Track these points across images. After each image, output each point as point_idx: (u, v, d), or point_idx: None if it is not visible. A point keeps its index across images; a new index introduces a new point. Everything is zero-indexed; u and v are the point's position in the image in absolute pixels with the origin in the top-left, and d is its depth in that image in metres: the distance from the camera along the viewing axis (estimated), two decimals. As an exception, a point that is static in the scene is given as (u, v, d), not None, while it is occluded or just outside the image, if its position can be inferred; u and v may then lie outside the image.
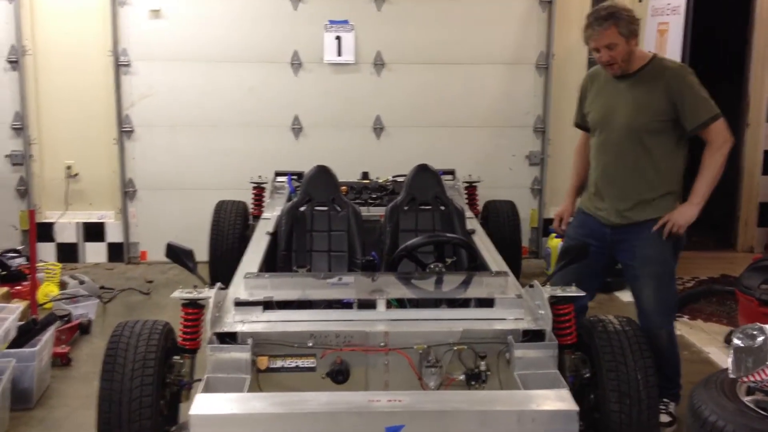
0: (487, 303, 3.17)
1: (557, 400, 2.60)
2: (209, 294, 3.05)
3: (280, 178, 5.91)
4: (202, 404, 2.55)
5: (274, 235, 4.29)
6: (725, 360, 4.70)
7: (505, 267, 3.74)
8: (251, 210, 5.79)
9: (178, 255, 3.28)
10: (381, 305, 3.10)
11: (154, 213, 6.79)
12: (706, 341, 4.83)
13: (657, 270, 3.55)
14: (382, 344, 2.94)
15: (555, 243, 6.47)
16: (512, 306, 3.12)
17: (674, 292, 3.72)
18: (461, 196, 5.68)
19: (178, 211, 6.74)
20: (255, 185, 5.83)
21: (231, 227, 5.48)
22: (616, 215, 3.63)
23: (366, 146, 6.74)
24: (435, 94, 6.74)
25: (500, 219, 5.73)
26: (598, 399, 2.99)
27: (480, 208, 5.96)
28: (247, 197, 5.84)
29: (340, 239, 4.24)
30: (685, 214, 3.47)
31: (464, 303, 3.30)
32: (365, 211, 4.97)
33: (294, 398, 2.62)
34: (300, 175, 5.77)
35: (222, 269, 5.16)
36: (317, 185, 4.33)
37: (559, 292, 3.13)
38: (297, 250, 4.21)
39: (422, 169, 4.42)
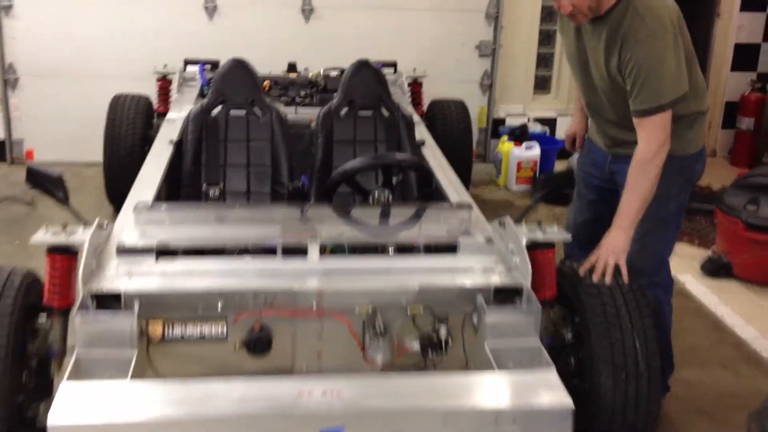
0: (448, 248, 2.53)
1: (545, 389, 2.02)
2: (83, 237, 2.32)
3: (190, 68, 5.06)
4: (65, 407, 1.87)
5: (179, 145, 3.52)
6: (703, 292, 4.28)
7: (465, 194, 3.09)
8: (156, 106, 4.95)
9: (42, 182, 2.52)
10: (313, 251, 2.42)
11: (42, 105, 5.83)
12: (679, 266, 4.33)
13: (648, 211, 2.78)
14: (314, 306, 2.30)
15: (507, 147, 5.87)
16: (480, 252, 2.50)
17: (664, 245, 3.01)
18: (404, 95, 4.95)
19: (71, 102, 5.81)
20: (160, 76, 4.95)
21: (130, 127, 4.66)
22: (611, 147, 2.97)
23: (293, 31, 5.86)
24: (374, -31, 5.86)
25: (448, 122, 5.06)
26: (584, 368, 2.43)
27: (425, 107, 5.26)
28: (153, 89, 4.99)
29: (261, 151, 3.50)
30: (617, 245, 2.62)
31: (416, 247, 2.65)
32: (292, 113, 4.21)
33: (197, 392, 1.96)
34: (214, 64, 4.97)
35: (118, 179, 4.40)
36: (232, 84, 3.53)
37: (539, 234, 2.51)
38: (208, 164, 3.46)
39: (362, 66, 3.66)
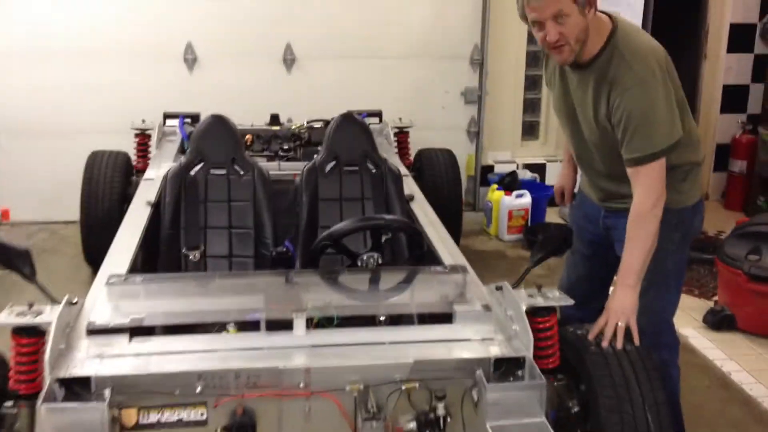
0: (443, 317, 2.39)
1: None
2: (50, 317, 2.16)
3: (170, 122, 4.94)
4: None
5: (157, 206, 3.37)
6: (708, 346, 4.15)
7: (459, 254, 2.95)
8: (135, 162, 4.81)
9: (7, 257, 2.36)
10: (299, 325, 2.27)
11: (18, 162, 5.69)
12: (680, 319, 4.18)
13: (649, 272, 2.62)
14: (301, 385, 2.14)
15: (497, 196, 5.76)
16: (478, 321, 2.35)
17: (666, 305, 2.86)
18: (391, 145, 4.84)
19: (48, 159, 5.68)
20: (138, 132, 4.83)
21: (107, 185, 4.52)
22: (605, 200, 2.85)
23: (275, 81, 5.77)
24: (356, 18, 5.79)
25: (436, 172, 4.95)
26: (591, 443, 2.28)
27: (412, 157, 5.15)
28: (132, 144, 4.87)
29: (243, 212, 3.36)
30: (626, 305, 2.48)
31: (409, 316, 2.50)
32: (275, 168, 4.09)
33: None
34: (195, 117, 4.85)
35: (96, 239, 4.25)
36: (212, 141, 3.41)
37: (540, 299, 2.38)
38: (187, 227, 3.31)
39: (346, 120, 3.54)
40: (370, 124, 4.94)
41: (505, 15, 5.86)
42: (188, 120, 4.86)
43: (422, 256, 2.84)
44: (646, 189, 2.50)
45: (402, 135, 5.10)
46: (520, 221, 5.69)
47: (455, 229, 5.06)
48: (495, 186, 5.88)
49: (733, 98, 6.45)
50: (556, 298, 2.39)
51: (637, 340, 2.44)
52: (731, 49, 6.33)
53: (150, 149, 4.71)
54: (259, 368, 2.12)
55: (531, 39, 5.84)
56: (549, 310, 2.37)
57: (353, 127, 3.53)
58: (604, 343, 2.41)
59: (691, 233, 2.80)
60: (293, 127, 4.68)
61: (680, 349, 2.97)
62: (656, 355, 2.70)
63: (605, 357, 2.35)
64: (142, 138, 4.81)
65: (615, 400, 2.24)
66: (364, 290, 2.61)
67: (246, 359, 2.16)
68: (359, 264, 2.75)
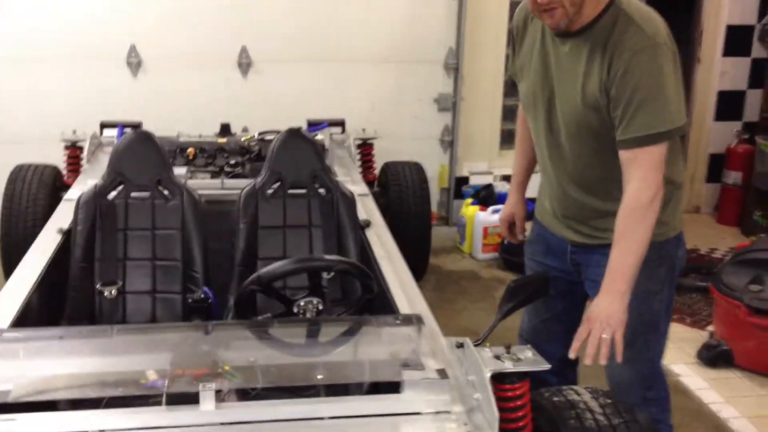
0: (390, 385, 1.98)
1: None
2: None
3: (108, 132, 4.51)
4: None
5: (70, 234, 2.94)
6: (702, 386, 3.76)
7: (417, 296, 2.53)
8: (66, 177, 4.37)
9: None
10: (207, 398, 1.85)
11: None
12: (671, 353, 3.80)
13: (631, 317, 2.24)
14: (206, 478, 1.73)
15: (471, 212, 5.37)
16: (431, 390, 1.94)
17: (655, 352, 2.49)
18: (353, 159, 4.42)
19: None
20: (68, 144, 4.39)
21: (31, 203, 4.09)
22: (573, 232, 2.46)
23: (229, 87, 5.32)
24: (319, 18, 5.34)
25: (403, 187, 4.54)
26: None
27: (377, 171, 4.74)
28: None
29: (169, 241, 2.93)
30: (612, 314, 2.14)
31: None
32: (217, 187, 3.67)
33: None
34: (136, 127, 4.43)
35: (17, 261, 3.77)
36: (133, 160, 2.97)
37: (508, 363, 1.97)
38: (102, 259, 2.88)
39: (293, 136, 3.11)
40: (332, 134, 4.58)
41: (482, 16, 5.47)
42: (128, 129, 4.43)
43: (371, 300, 2.42)
44: (645, 178, 2.12)
45: (366, 147, 4.69)
46: (496, 239, 5.29)
47: (423, 249, 4.67)
48: (470, 200, 5.48)
49: (729, 105, 6.07)
50: (528, 360, 1.98)
51: (620, 356, 2.15)
52: (727, 52, 5.95)
53: (82, 163, 4.27)
54: (146, 459, 1.71)
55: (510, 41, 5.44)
56: (520, 376, 1.97)
57: (300, 145, 3.10)
58: (587, 361, 2.14)
59: (676, 267, 2.43)
60: (243, 139, 4.25)
61: (671, 392, 2.59)
62: (645, 413, 2.33)
63: (583, 426, 1.95)
64: (73, 150, 4.37)
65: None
66: (295, 349, 2.19)
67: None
68: (295, 311, 2.34)
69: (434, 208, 5.90)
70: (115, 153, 2.98)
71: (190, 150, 4.04)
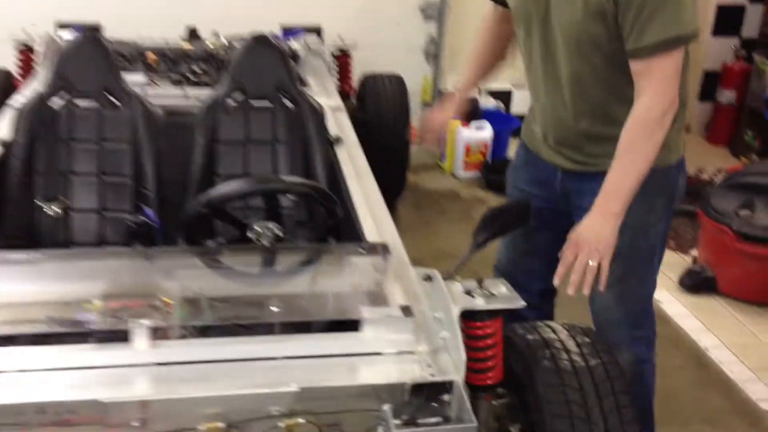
0: (350, 323, 1.79)
1: None
2: None
3: (64, 33, 4.19)
4: None
5: (10, 147, 2.69)
6: (683, 313, 3.63)
7: (388, 221, 2.32)
8: (19, 82, 4.08)
9: None
10: (140, 336, 1.66)
11: None
12: (654, 282, 3.71)
13: (625, 249, 2.09)
14: (135, 424, 1.55)
15: (453, 126, 5.12)
16: (394, 328, 1.76)
17: (648, 288, 2.31)
18: (328, 69, 4.14)
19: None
20: (20, 46, 4.08)
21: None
22: (565, 159, 2.23)
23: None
24: None
25: (382, 101, 4.29)
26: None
27: (355, 83, 4.47)
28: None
29: (118, 156, 2.69)
30: (602, 238, 1.96)
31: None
32: (181, 97, 3.39)
33: None
34: (95, 29, 4.13)
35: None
36: (79, 65, 2.70)
37: (479, 300, 1.78)
38: (43, 172, 2.65)
39: (259, 43, 2.83)
40: (307, 42, 4.28)
41: None
42: (90, 31, 4.13)
43: (336, 226, 2.22)
44: (659, 90, 1.89)
45: (343, 57, 4.40)
46: (479, 157, 5.07)
47: (401, 167, 4.45)
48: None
49: (727, 19, 5.77)
50: (502, 297, 1.80)
51: (604, 285, 2.01)
52: (726, -38, 5.64)
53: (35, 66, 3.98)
54: (70, 402, 1.52)
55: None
56: (492, 314, 1.79)
57: (266, 53, 2.82)
58: (571, 291, 2.00)
59: (676, 196, 2.22)
60: (210, 44, 3.94)
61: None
62: (631, 351, 2.19)
63: (560, 372, 1.78)
64: (26, 53, 4.06)
65: (569, 423, 1.69)
66: (246, 280, 1.98)
67: (57, 387, 1.56)
68: (251, 236, 2.13)
69: (415, 123, 5.67)
70: (61, 57, 2.71)
71: (150, 55, 3.74)
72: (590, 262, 1.97)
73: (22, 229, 2.61)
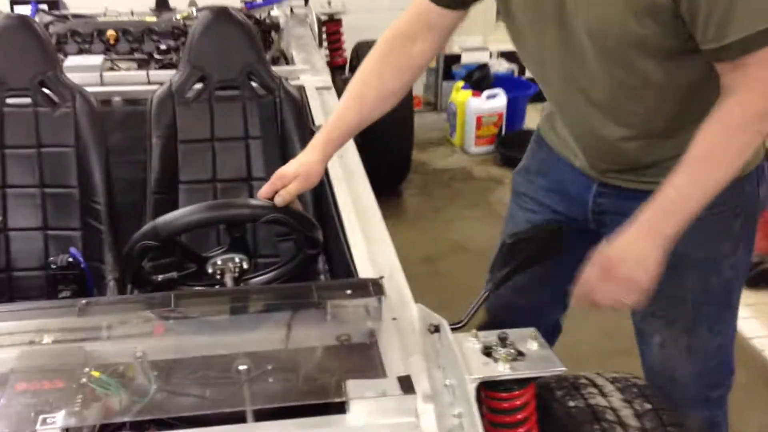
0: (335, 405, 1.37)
1: None
2: None
3: (19, 9, 3.77)
4: None
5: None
6: (743, 314, 3.15)
7: (384, 246, 1.88)
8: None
9: None
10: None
11: None
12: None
13: (693, 293, 1.66)
14: None
15: (462, 98, 4.66)
16: (390, 411, 1.33)
17: (728, 336, 1.80)
18: (315, 39, 3.67)
19: None
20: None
21: None
22: (607, 174, 1.71)
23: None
24: None
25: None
26: None
27: (348, 53, 4.00)
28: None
29: (61, 163, 2.27)
30: (647, 263, 1.46)
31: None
32: (142, 81, 2.94)
33: None
34: (53, 4, 3.71)
35: None
36: (9, 55, 2.25)
37: (502, 366, 1.36)
38: (-25, 186, 2.24)
39: (219, 18, 2.37)
40: (292, 8, 3.83)
41: None
42: (44, 6, 3.71)
43: (316, 254, 1.79)
44: (758, 88, 1.38)
45: (332, 24, 3.93)
46: (492, 129, 4.61)
47: (405, 146, 4.00)
48: (461, 83, 4.75)
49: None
50: (534, 358, 1.38)
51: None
52: None
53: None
54: None
55: None
56: (521, 381, 1.37)
57: (229, 29, 2.36)
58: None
59: (756, 214, 1.73)
60: (178, 17, 3.48)
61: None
62: (704, 415, 1.76)
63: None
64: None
65: None
66: (198, 340, 1.56)
67: None
68: (210, 272, 1.71)
69: (420, 91, 5.21)
70: (-18, 43, 2.26)
71: (110, 32, 3.29)
72: (624, 299, 1.48)
73: None
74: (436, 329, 1.48)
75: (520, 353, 1.39)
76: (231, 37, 2.35)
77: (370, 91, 1.68)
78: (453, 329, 1.45)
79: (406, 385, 1.35)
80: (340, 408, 1.34)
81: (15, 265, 2.27)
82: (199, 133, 2.33)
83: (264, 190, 1.65)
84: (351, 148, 2.43)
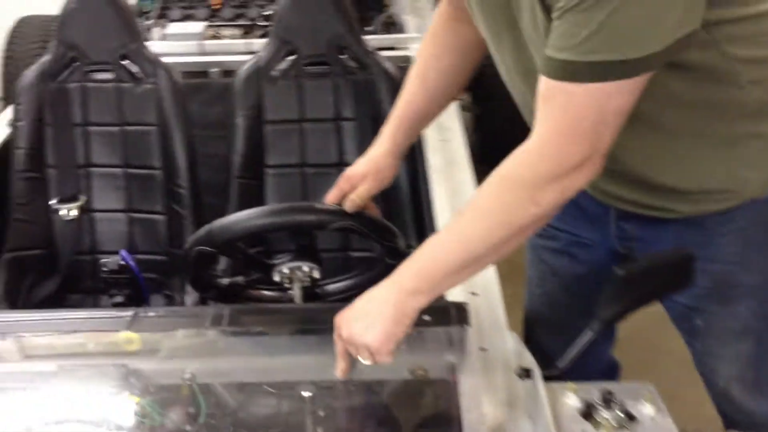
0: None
1: None
2: None
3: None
4: None
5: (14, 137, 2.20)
6: None
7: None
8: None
9: None
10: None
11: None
12: None
13: (750, 323, 1.40)
14: None
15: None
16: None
17: None
18: (431, 2, 3.38)
19: None
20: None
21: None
22: (621, 200, 1.41)
23: None
24: None
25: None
26: None
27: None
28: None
29: (144, 142, 2.15)
30: (366, 310, 1.20)
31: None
32: (243, 51, 2.76)
33: None
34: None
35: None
36: (89, 26, 2.14)
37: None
38: (58, 165, 2.15)
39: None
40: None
41: None
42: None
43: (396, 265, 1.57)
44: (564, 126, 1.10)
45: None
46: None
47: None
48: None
49: None
50: (648, 427, 1.12)
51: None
52: None
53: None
54: None
55: None
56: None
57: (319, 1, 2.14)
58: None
59: None
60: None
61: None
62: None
63: None
64: None
65: None
66: (256, 365, 1.38)
67: None
68: (278, 280, 1.53)
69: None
70: (63, 16, 2.15)
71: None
72: (358, 353, 1.21)
73: (37, 236, 2.15)
74: (527, 374, 1.24)
75: (630, 416, 1.14)
76: (319, 6, 2.12)
77: (429, 71, 1.48)
78: (547, 377, 1.21)
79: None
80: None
81: (99, 248, 2.19)
82: (286, 114, 2.15)
83: (331, 195, 1.44)
84: (456, 130, 2.19)
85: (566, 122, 1.09)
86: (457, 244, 1.15)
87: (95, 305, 2.07)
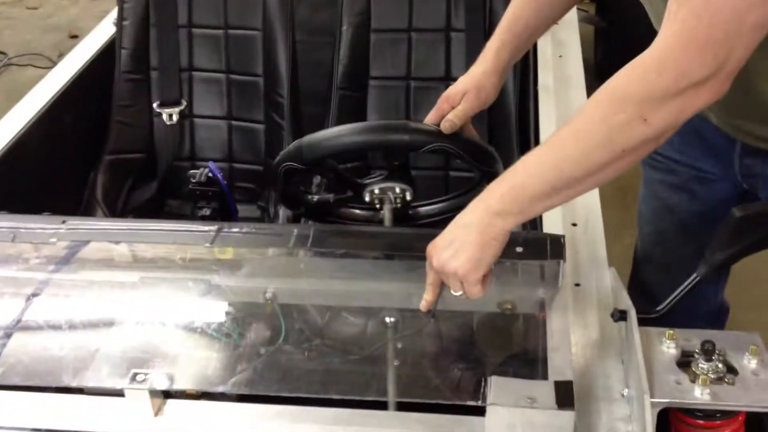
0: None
1: None
2: None
3: None
4: None
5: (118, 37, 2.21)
6: None
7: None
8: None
9: None
10: (136, 399, 1.12)
11: None
12: None
13: None
14: None
15: None
16: (536, 428, 1.06)
17: None
18: None
19: None
20: None
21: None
22: (746, 133, 1.32)
23: None
24: None
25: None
26: None
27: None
28: None
29: (248, 48, 2.13)
30: (451, 238, 1.13)
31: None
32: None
33: None
34: None
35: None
36: None
37: (700, 392, 1.03)
38: (162, 67, 2.17)
39: None
40: None
41: None
42: None
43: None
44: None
45: None
46: None
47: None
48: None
49: None
50: (750, 384, 1.03)
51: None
52: None
53: None
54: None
55: None
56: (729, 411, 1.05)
57: None
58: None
59: None
60: None
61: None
62: None
63: None
64: None
65: None
66: (338, 288, 1.35)
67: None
68: (368, 200, 1.49)
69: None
70: None
71: None
72: (449, 281, 1.16)
73: (138, 140, 2.19)
74: (621, 316, 1.17)
75: (731, 369, 1.05)
76: None
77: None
78: (643, 320, 1.14)
79: (564, 395, 1.06)
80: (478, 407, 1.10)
81: (198, 154, 2.21)
82: (394, 22, 2.06)
83: (430, 116, 1.38)
84: (574, 45, 2.06)
85: (696, 29, 0.96)
86: (551, 165, 1.06)
87: (193, 212, 2.11)
